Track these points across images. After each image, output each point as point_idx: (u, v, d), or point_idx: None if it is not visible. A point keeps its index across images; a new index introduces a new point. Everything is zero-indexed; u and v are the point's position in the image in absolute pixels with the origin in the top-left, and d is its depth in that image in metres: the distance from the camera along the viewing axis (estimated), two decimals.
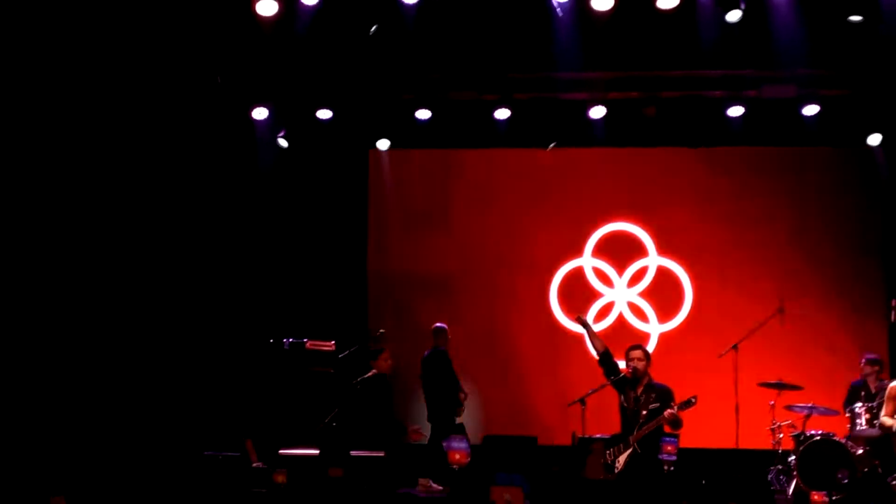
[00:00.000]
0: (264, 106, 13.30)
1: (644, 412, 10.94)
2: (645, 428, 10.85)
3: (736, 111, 13.13)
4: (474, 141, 13.96)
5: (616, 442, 11.00)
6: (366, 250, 14.38)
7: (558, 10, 11.47)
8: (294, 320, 13.37)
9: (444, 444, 11.68)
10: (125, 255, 12.19)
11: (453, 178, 14.42)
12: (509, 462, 12.08)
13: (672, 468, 10.47)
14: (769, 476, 11.84)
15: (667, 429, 11.01)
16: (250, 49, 12.27)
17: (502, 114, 13.38)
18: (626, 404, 11.06)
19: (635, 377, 11.09)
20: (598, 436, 11.41)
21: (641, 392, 11.07)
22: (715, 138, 13.51)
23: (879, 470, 10.93)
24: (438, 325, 12.99)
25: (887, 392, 10.42)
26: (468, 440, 11.66)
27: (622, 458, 10.91)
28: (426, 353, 12.89)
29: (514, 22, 11.89)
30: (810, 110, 12.97)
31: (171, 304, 12.76)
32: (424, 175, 14.45)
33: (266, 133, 13.46)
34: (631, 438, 10.89)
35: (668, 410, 10.74)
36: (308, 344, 11.86)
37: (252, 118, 13.34)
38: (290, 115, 13.54)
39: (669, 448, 10.49)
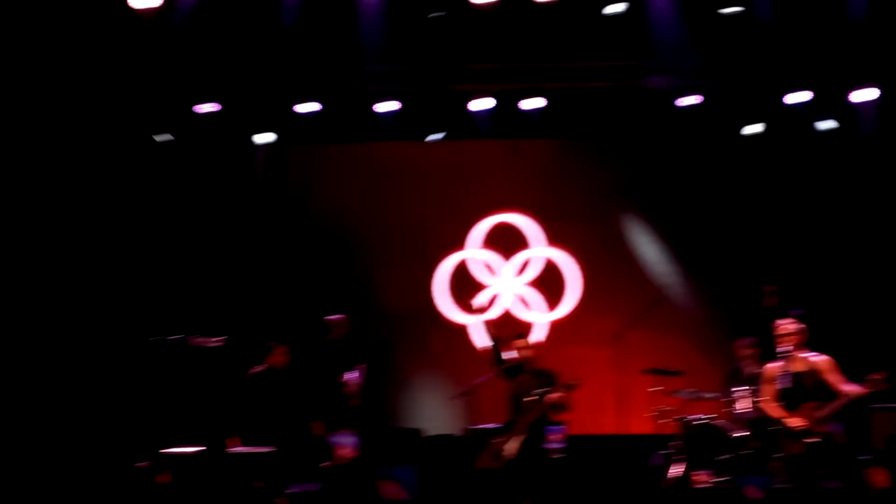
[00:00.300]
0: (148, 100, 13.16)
1: (530, 398, 11.09)
2: (532, 414, 10.99)
3: (621, 101, 13.26)
4: (361, 135, 13.92)
5: (506, 430, 11.11)
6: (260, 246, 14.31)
7: None
8: (186, 317, 13.23)
9: (330, 440, 11.74)
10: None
11: (342, 171, 14.38)
12: (398, 455, 12.14)
13: (559, 454, 10.65)
14: (653, 460, 12.03)
15: (553, 415, 11.21)
16: (129, 42, 12.16)
17: (388, 107, 13.40)
18: (514, 392, 11.21)
19: (522, 365, 11.24)
20: (488, 425, 11.49)
21: (528, 379, 11.23)
22: (598, 129, 13.61)
23: (759, 452, 11.16)
24: (332, 316, 12.96)
25: (763, 374, 10.66)
26: (356, 435, 11.76)
27: (512, 446, 11.03)
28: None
29: (395, 14, 11.92)
30: (689, 101, 13.15)
31: (50, 302, 12.57)
32: (313, 169, 14.38)
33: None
34: (519, 425, 11.02)
35: (552, 395, 10.91)
36: (191, 340, 11.73)
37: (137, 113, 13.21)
38: (172, 110, 13.36)
39: (555, 436, 10.68)
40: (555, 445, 10.82)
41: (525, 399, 11.12)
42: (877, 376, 9.96)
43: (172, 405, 12.73)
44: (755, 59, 12.66)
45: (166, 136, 13.56)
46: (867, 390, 10.02)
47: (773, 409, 10.33)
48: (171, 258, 13.87)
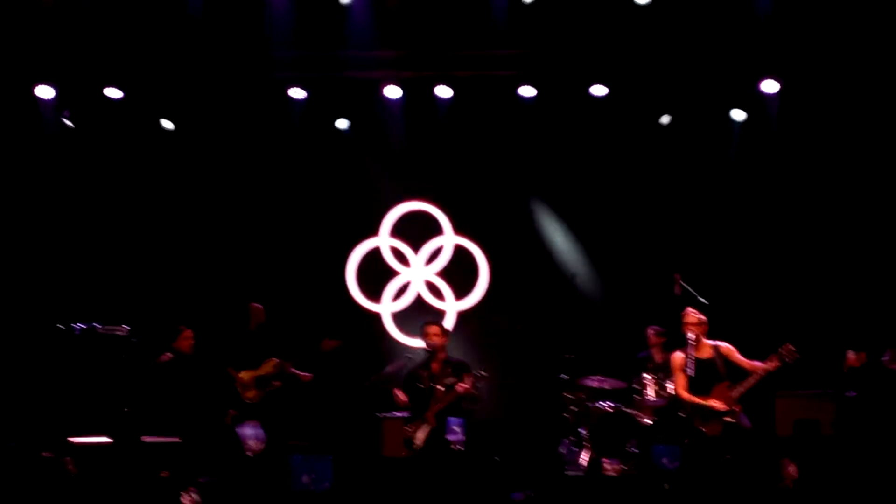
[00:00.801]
0: (49, 84, 12.89)
1: (440, 387, 11.09)
2: (441, 403, 10.99)
3: (527, 91, 13.30)
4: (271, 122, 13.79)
5: (413, 418, 11.10)
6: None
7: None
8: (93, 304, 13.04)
9: (238, 431, 11.64)
10: None
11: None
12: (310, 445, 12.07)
13: (460, 447, 10.67)
14: (560, 448, 12.11)
15: (464, 405, 11.22)
16: (33, 24, 11.90)
17: (297, 93, 13.30)
18: (420, 382, 11.19)
19: (432, 352, 11.23)
20: (395, 413, 11.46)
21: (438, 368, 11.22)
22: (508, 119, 13.64)
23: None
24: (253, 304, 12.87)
25: (672, 363, 10.82)
26: (262, 426, 11.68)
27: (421, 435, 11.03)
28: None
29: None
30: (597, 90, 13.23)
31: None
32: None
33: (52, 112, 13.03)
34: (428, 414, 11.02)
35: (461, 385, 10.92)
36: (99, 328, 11.55)
37: (36, 96, 12.92)
38: (77, 94, 13.09)
39: (455, 429, 10.71)
40: (454, 438, 10.83)
41: (436, 388, 11.12)
42: (787, 349, 10.21)
43: (80, 394, 12.54)
44: (664, 49, 12.74)
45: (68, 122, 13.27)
46: (778, 363, 10.27)
47: (692, 398, 10.52)
48: (79, 244, 13.64)
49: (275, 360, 12.23)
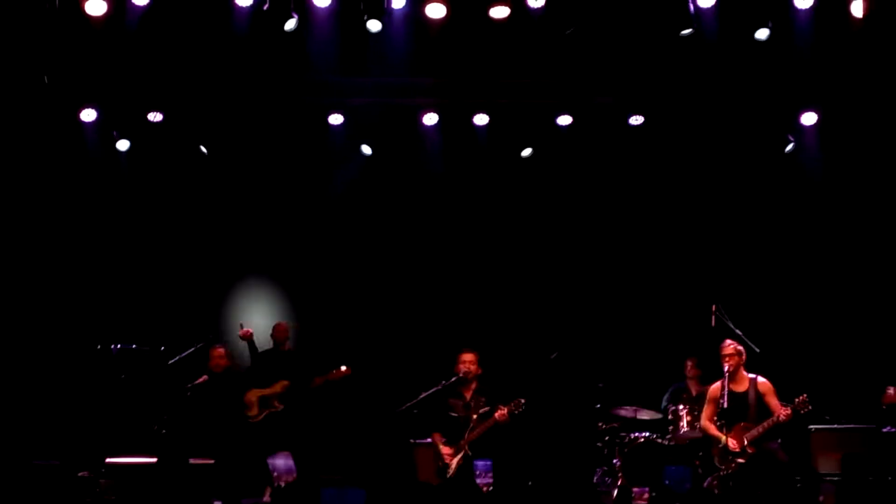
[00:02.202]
0: (93, 107, 13.04)
1: (475, 416, 11.07)
2: (476, 432, 10.97)
3: (564, 119, 13.32)
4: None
5: (448, 445, 11.08)
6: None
7: None
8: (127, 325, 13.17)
9: (269, 462, 11.70)
10: None
11: None
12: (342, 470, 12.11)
13: (489, 488, 10.69)
14: (595, 477, 12.08)
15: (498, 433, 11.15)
16: (79, 48, 12.04)
17: (335, 119, 13.40)
18: (454, 410, 11.15)
19: (465, 380, 11.21)
20: (427, 440, 11.46)
21: (472, 396, 11.19)
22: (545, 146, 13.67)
23: (700, 471, 11.25)
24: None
25: (708, 395, 10.77)
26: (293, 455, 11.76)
27: (454, 463, 11.02)
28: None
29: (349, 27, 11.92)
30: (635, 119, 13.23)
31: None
32: None
33: (95, 134, 13.16)
34: (462, 442, 11.00)
35: (499, 413, 10.89)
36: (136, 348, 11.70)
37: (80, 119, 13.06)
38: (122, 117, 13.24)
39: (483, 472, 10.73)
40: (484, 481, 10.86)
41: (471, 416, 11.09)
42: (802, 400, 10.13)
43: (117, 414, 12.64)
44: (703, 80, 12.74)
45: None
46: (791, 414, 10.18)
47: (710, 428, 10.49)
48: (118, 264, 13.78)
49: (285, 382, 12.35)
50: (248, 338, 12.83)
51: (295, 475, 11.64)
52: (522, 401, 10.92)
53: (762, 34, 11.65)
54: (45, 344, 13.19)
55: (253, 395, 12.46)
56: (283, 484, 11.55)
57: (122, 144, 13.37)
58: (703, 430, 10.60)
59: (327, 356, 12.91)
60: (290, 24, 11.55)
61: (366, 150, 13.73)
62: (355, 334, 13.79)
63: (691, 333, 12.49)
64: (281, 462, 11.81)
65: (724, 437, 10.32)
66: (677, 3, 11.50)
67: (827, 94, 12.76)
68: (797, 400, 10.17)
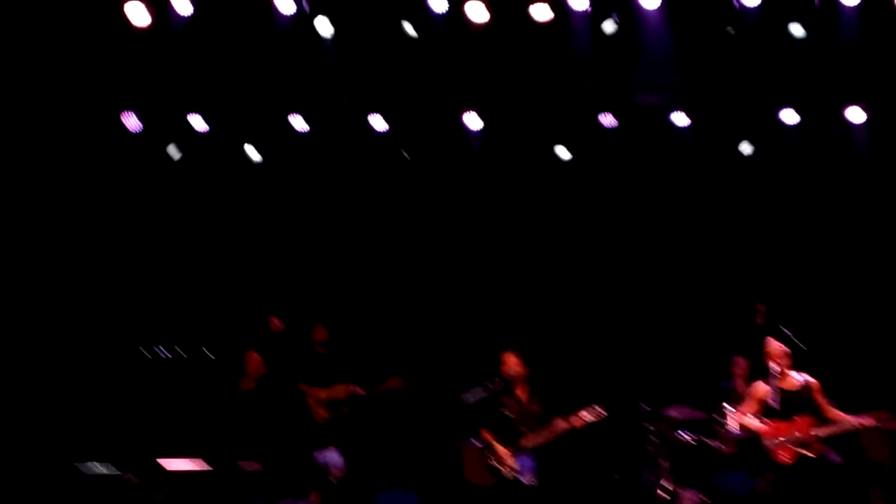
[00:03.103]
0: (135, 112, 13.09)
1: (531, 416, 11.07)
2: (544, 434, 10.96)
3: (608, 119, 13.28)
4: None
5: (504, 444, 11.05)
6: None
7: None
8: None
9: (319, 457, 11.72)
10: None
11: None
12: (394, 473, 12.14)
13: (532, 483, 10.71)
14: (642, 477, 12.05)
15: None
16: (122, 55, 12.12)
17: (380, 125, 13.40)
18: (507, 409, 11.15)
19: (511, 381, 11.20)
20: (474, 441, 11.45)
21: (525, 396, 11.19)
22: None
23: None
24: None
25: (752, 391, 10.74)
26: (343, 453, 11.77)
27: (513, 463, 10.99)
28: None
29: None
30: (679, 119, 13.18)
31: (46, 308, 12.52)
32: None
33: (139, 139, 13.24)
34: (526, 442, 10.97)
35: (579, 420, 10.89)
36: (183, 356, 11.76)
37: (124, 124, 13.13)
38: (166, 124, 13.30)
39: (527, 471, 10.74)
40: (528, 479, 10.88)
41: (527, 418, 11.09)
42: (886, 415, 10.08)
43: (162, 419, 12.69)
44: (745, 77, 12.67)
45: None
46: (874, 423, 10.13)
47: (755, 424, 10.42)
48: (161, 269, 13.84)
49: (348, 387, 12.36)
50: (280, 331, 12.82)
51: (345, 470, 11.66)
52: (601, 408, 10.90)
53: (798, 30, 11.61)
54: (92, 346, 13.23)
55: (322, 395, 12.41)
56: (335, 480, 11.58)
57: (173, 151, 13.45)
58: (746, 428, 10.54)
59: (361, 361, 12.95)
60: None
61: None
62: (389, 338, 13.77)
63: (739, 332, 12.49)
64: (333, 457, 11.82)
65: (777, 430, 10.28)
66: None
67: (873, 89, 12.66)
68: (882, 414, 10.12)
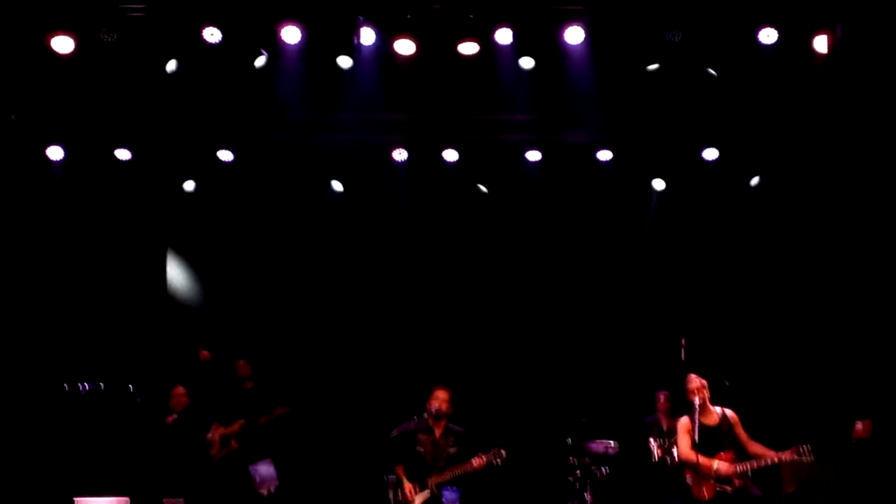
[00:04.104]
0: (59, 145, 12.98)
1: (444, 455, 11.03)
2: (448, 473, 10.92)
3: (534, 155, 13.37)
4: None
5: (412, 480, 11.01)
6: None
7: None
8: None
9: (252, 469, 11.68)
10: None
11: None
12: None
13: None
14: None
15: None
16: (46, 86, 12.01)
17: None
18: (421, 446, 11.11)
19: (435, 417, 11.16)
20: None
21: (440, 434, 11.15)
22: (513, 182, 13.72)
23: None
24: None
25: (678, 427, 10.79)
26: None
27: (417, 500, 10.96)
28: None
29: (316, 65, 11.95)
30: (604, 155, 13.31)
31: None
32: None
33: (62, 172, 13.11)
34: (430, 481, 10.94)
35: (477, 460, 10.86)
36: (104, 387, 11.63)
37: (47, 157, 13.00)
38: (87, 155, 13.19)
39: (451, 500, 10.72)
40: None
41: (440, 455, 11.05)
42: (806, 449, 10.17)
43: (86, 454, 12.52)
44: (669, 114, 12.84)
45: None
46: (794, 458, 10.22)
47: (694, 457, 10.46)
48: (79, 302, 13.68)
49: (242, 421, 12.33)
50: (207, 360, 12.78)
51: (277, 483, 11.62)
52: (503, 452, 10.88)
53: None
54: (9, 382, 13.03)
55: (216, 433, 12.40)
56: (265, 493, 11.53)
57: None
58: (685, 460, 10.58)
59: (290, 393, 12.89)
60: (260, 62, 11.58)
61: (336, 186, 13.75)
62: (326, 368, 13.78)
63: (661, 367, 12.59)
64: (266, 470, 11.78)
65: (716, 463, 10.35)
66: (649, 36, 11.62)
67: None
68: (802, 448, 10.20)
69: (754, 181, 13.37)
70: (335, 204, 13.85)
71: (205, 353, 12.83)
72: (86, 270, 13.72)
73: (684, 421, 10.70)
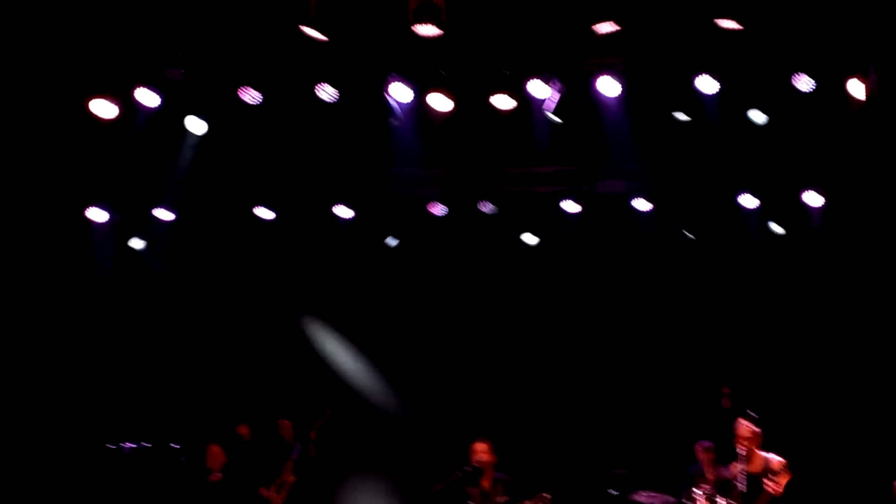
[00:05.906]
0: (102, 207, 13.14)
1: None
2: None
3: (571, 206, 13.42)
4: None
5: None
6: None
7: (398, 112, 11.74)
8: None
9: None
10: None
11: None
12: None
13: None
14: None
15: None
16: (87, 149, 12.20)
17: (345, 212, 13.51)
18: (471, 499, 11.11)
19: (480, 469, 11.18)
20: None
21: (490, 485, 11.16)
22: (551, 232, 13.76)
23: None
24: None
25: (724, 476, 10.71)
26: None
27: None
28: None
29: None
30: (641, 205, 13.34)
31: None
32: None
33: (105, 234, 13.25)
34: None
35: None
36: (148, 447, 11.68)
37: (88, 219, 13.15)
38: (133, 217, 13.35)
39: None
40: None
41: None
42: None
43: None
44: (705, 163, 12.87)
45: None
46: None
47: None
48: (123, 363, 13.77)
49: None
50: (245, 437, 12.76)
51: None
52: (548, 496, 10.86)
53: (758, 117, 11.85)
54: (54, 444, 13.10)
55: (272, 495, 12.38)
56: None
57: (136, 243, 13.47)
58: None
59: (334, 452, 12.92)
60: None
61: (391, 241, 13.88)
62: (371, 424, 13.84)
63: (703, 416, 12.52)
64: None
65: None
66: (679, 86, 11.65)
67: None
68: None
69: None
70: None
71: (244, 428, 12.80)
72: (135, 332, 13.81)
73: (728, 470, 10.64)
